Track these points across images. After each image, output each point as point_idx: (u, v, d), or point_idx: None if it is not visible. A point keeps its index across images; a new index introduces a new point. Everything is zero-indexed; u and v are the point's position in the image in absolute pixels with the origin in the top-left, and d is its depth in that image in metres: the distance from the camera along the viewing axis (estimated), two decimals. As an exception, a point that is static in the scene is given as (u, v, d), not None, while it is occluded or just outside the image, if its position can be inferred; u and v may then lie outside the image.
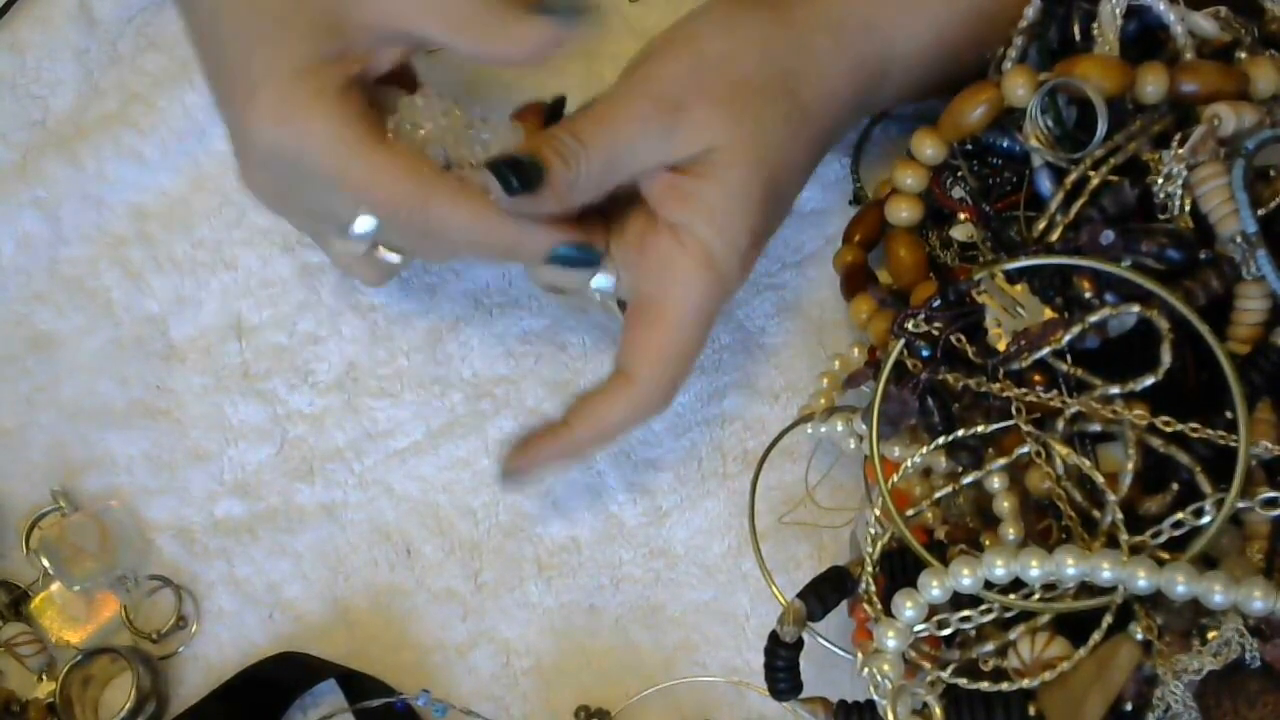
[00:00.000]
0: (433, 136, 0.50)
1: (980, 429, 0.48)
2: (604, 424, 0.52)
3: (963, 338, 0.49)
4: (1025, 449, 0.47)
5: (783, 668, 0.49)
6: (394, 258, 0.53)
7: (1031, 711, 0.46)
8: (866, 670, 0.47)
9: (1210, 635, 0.44)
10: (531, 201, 0.48)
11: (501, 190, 0.47)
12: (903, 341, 0.49)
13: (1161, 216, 0.49)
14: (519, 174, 0.47)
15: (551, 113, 0.53)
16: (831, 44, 0.51)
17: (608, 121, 0.49)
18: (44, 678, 0.56)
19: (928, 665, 0.48)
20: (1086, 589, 0.46)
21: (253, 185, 0.51)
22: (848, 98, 0.52)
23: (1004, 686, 0.46)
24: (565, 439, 0.52)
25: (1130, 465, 0.47)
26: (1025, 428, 0.47)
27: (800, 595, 0.49)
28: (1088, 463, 0.46)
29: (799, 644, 0.49)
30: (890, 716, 0.46)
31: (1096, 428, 0.47)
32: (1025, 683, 0.46)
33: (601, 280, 0.52)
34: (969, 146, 0.53)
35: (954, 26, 0.53)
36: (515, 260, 0.52)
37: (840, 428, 0.53)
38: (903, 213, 0.54)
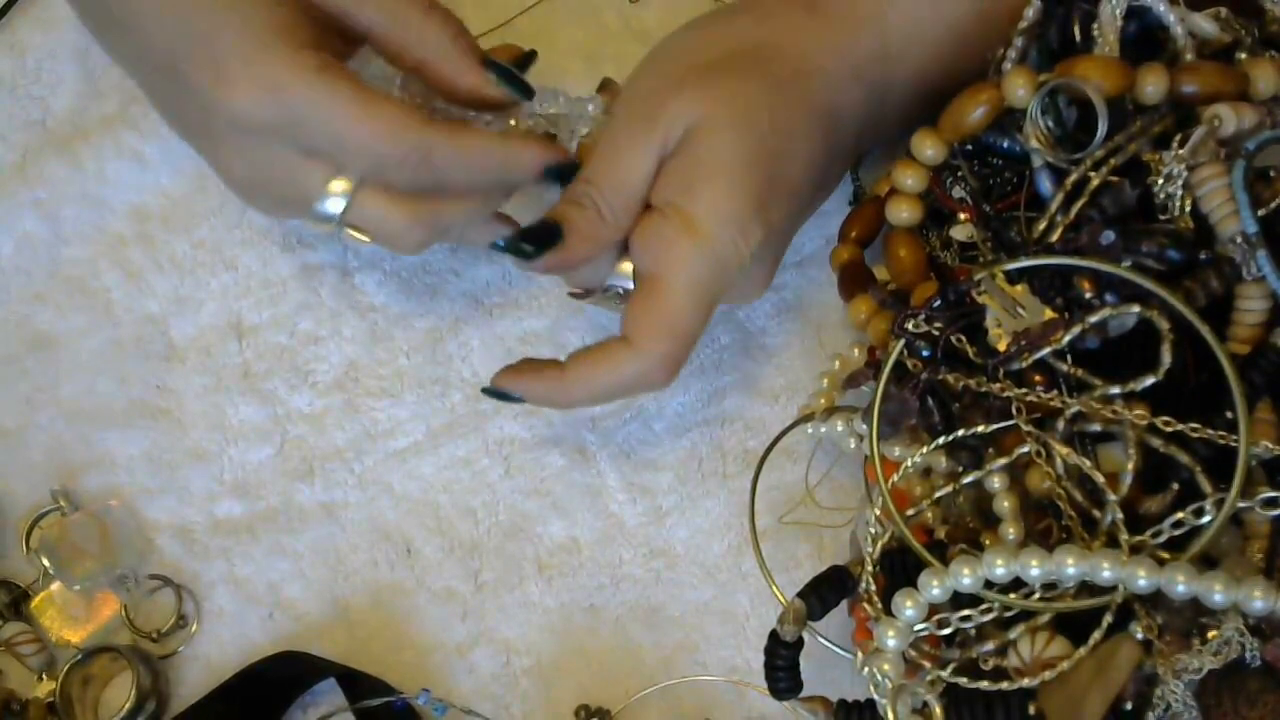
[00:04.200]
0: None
1: (980, 429, 0.48)
2: (597, 381, 0.52)
3: (963, 338, 0.49)
4: (1025, 449, 0.48)
5: (783, 667, 0.49)
6: (364, 240, 0.51)
7: (1031, 711, 0.46)
8: (866, 669, 0.47)
9: (1210, 635, 0.44)
10: (559, 256, 0.50)
11: (527, 258, 0.50)
12: (903, 341, 0.49)
13: (1162, 217, 0.49)
14: (536, 239, 0.50)
15: (522, 64, 0.54)
16: (804, 17, 0.53)
17: (609, 157, 0.51)
18: (44, 677, 0.56)
19: (928, 664, 0.48)
20: (1086, 588, 0.46)
21: (230, 174, 0.51)
22: (841, 72, 0.52)
23: (1004, 686, 0.46)
24: (557, 383, 0.52)
25: (1130, 465, 0.47)
26: (1025, 428, 0.47)
27: (800, 595, 0.49)
28: (1088, 463, 0.46)
29: (799, 643, 0.49)
30: (890, 716, 0.46)
31: (1096, 428, 0.47)
32: (1025, 682, 0.46)
33: (618, 278, 0.53)
34: (969, 147, 0.53)
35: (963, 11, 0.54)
36: (512, 181, 0.52)
37: (840, 428, 0.53)
38: (903, 213, 0.54)
